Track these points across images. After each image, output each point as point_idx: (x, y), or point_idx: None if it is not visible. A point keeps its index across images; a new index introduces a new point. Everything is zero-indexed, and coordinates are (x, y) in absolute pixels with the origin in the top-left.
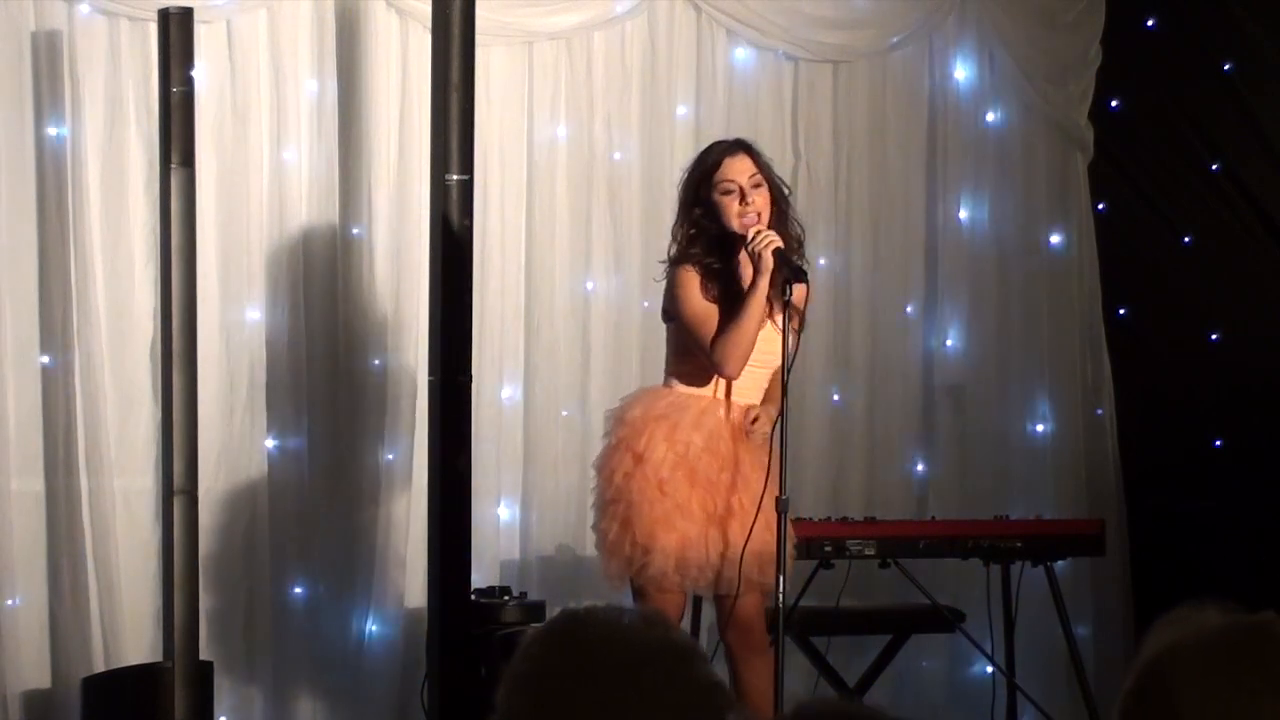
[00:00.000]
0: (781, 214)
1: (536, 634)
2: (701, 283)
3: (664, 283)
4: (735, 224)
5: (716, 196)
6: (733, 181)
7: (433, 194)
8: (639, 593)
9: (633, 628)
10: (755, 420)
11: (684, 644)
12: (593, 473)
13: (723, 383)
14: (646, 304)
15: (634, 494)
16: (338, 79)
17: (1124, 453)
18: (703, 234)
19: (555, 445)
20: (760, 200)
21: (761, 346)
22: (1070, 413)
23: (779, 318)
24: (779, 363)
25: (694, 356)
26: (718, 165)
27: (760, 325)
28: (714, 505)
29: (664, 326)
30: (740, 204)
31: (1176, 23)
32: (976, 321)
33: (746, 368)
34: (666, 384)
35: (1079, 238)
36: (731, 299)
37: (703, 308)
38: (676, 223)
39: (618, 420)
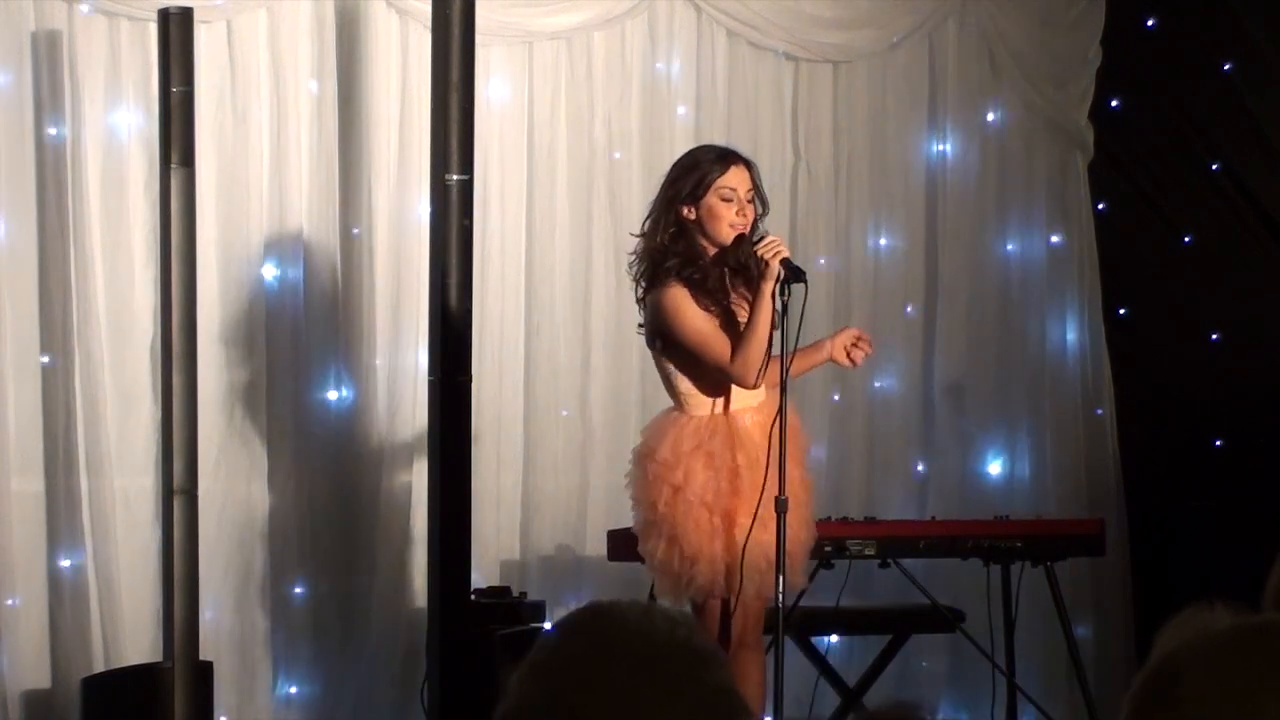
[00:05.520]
0: (755, 227)
1: (559, 622)
2: (694, 296)
3: (639, 290)
4: (724, 230)
5: (714, 200)
6: (734, 190)
7: (433, 194)
8: (694, 607)
9: (655, 626)
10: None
11: (705, 647)
12: (630, 501)
13: (722, 395)
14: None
15: (677, 514)
16: (338, 79)
17: (1124, 453)
18: (685, 234)
19: (555, 445)
20: (750, 214)
21: None
22: (1070, 413)
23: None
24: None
25: (701, 374)
26: (721, 171)
27: (770, 331)
28: (764, 511)
29: (660, 354)
30: (736, 213)
31: (1176, 23)
32: (977, 321)
33: None
34: (680, 408)
35: (1079, 238)
36: (721, 306)
37: (706, 323)
38: (655, 217)
39: (647, 457)
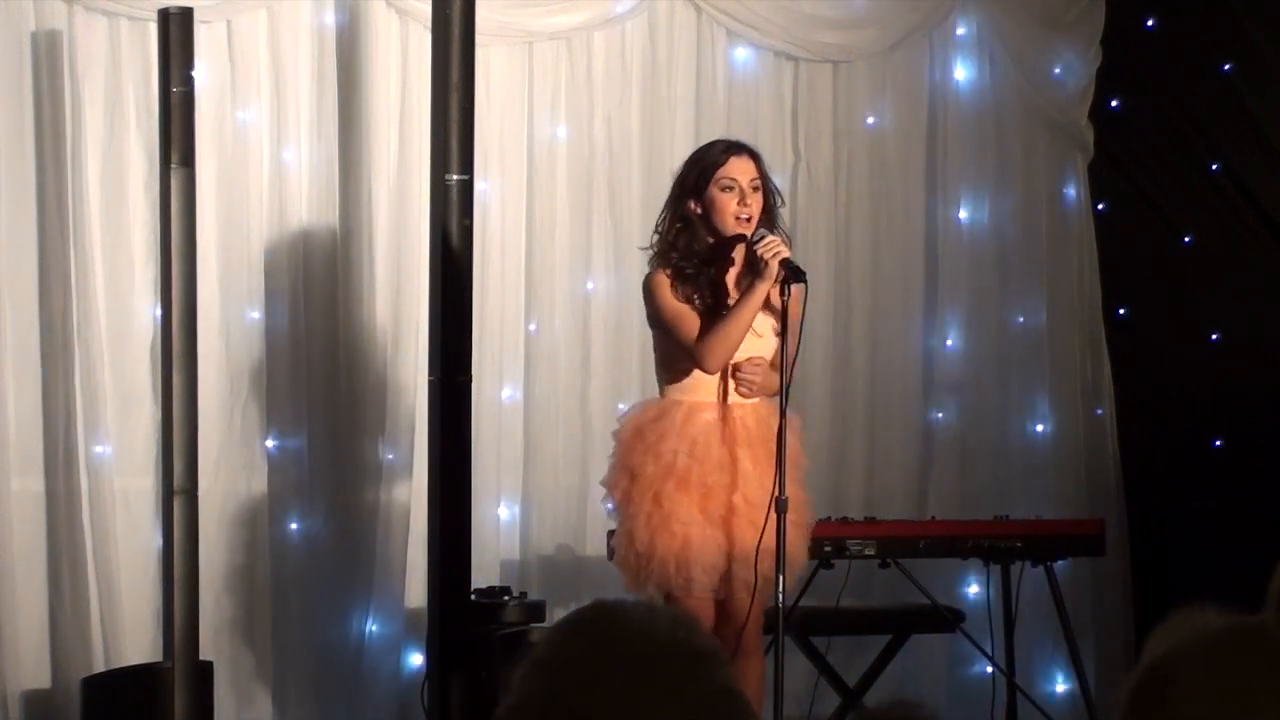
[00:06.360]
0: (771, 221)
1: (563, 620)
2: (671, 284)
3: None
4: (730, 222)
5: (715, 192)
6: (734, 180)
7: (433, 194)
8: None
9: (658, 626)
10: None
11: (706, 648)
12: (604, 491)
13: (719, 385)
14: None
15: (632, 508)
16: (338, 79)
17: (1124, 453)
18: (689, 229)
19: (555, 445)
20: (755, 204)
21: (751, 346)
22: (1070, 413)
23: (772, 320)
24: (767, 359)
25: (679, 360)
26: (723, 162)
27: (748, 327)
28: (713, 508)
29: (652, 334)
30: (738, 204)
31: (1176, 23)
32: (976, 321)
33: None
34: (661, 393)
35: (1079, 238)
36: (709, 300)
37: (676, 307)
38: (664, 212)
39: (616, 438)
